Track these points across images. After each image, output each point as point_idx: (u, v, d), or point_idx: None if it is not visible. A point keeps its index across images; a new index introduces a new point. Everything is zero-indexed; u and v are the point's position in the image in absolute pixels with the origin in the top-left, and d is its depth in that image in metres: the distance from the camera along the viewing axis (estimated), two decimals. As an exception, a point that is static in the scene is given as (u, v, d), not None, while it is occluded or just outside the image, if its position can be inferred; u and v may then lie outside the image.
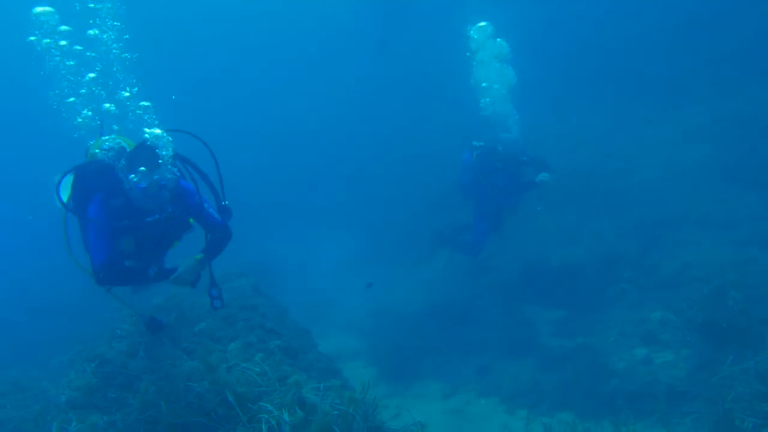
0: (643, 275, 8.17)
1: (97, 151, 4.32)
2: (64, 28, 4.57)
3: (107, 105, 4.51)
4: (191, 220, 4.39)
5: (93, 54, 4.53)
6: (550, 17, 13.75)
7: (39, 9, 4.48)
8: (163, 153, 4.02)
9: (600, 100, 12.73)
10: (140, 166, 3.90)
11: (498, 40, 8.32)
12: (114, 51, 4.44)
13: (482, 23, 8.42)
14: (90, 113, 4.59)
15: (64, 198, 4.18)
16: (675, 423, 5.34)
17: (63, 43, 4.53)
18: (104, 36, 4.45)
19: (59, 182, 4.22)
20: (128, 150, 4.15)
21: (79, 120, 4.56)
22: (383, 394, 6.38)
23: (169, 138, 4.09)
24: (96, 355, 4.56)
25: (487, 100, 7.99)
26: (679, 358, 6.32)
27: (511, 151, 7.50)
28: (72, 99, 4.56)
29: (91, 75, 4.54)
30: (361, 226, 12.67)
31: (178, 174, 4.24)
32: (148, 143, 4.03)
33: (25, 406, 4.44)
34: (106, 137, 4.45)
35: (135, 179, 3.92)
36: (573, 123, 12.24)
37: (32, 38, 4.51)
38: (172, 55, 17.94)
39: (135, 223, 4.05)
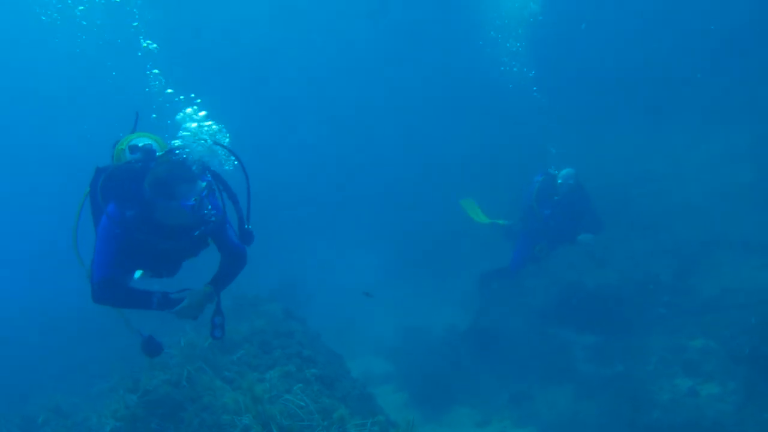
0: (681, 300, 7.93)
1: (122, 147, 3.89)
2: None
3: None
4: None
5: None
6: (587, 36, 13.61)
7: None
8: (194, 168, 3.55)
9: (637, 120, 12.54)
10: (179, 184, 3.43)
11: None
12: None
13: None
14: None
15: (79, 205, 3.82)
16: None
17: None
18: None
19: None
20: (158, 153, 3.70)
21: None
22: (416, 421, 6.26)
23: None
24: (138, 384, 4.55)
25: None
26: (726, 391, 6.10)
27: (569, 192, 7.46)
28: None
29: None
30: (388, 244, 12.60)
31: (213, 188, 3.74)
32: (186, 157, 3.56)
33: (69, 435, 4.45)
34: (135, 134, 4.03)
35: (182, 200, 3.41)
36: (609, 143, 12.05)
37: None
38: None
39: (151, 238, 3.60)
